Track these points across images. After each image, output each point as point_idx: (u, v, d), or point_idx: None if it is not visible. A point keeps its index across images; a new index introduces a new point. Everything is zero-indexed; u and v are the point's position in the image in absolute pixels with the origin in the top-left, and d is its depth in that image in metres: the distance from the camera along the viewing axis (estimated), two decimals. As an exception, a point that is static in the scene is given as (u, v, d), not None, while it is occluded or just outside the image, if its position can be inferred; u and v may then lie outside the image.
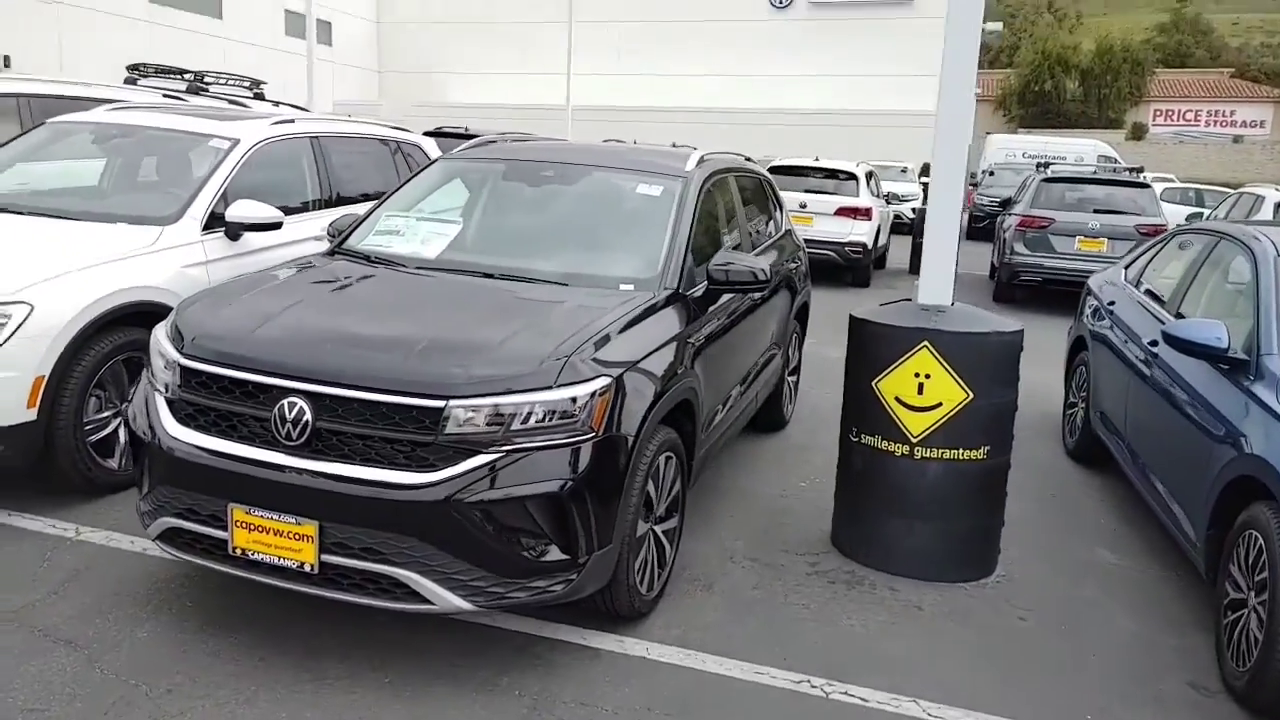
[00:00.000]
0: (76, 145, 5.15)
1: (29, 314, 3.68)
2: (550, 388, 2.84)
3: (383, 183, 5.59)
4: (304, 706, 2.77)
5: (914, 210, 16.40)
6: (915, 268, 12.94)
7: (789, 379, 5.87)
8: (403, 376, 2.82)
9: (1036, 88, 44.12)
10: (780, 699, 2.98)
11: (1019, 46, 50.54)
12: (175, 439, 2.95)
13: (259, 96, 8.35)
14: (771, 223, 5.66)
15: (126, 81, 7.61)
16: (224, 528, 2.87)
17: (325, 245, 4.25)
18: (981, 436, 3.76)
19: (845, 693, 3.02)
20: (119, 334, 4.00)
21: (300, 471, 2.79)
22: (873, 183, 13.23)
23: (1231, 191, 18.22)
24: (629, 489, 3.04)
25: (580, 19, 24.67)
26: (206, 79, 7.90)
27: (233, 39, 23.53)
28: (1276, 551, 2.84)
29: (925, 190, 15.96)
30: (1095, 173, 13.71)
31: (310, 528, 2.78)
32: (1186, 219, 15.82)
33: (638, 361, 3.17)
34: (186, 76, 7.85)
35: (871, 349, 3.90)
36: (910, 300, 4.10)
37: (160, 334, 3.21)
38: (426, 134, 10.70)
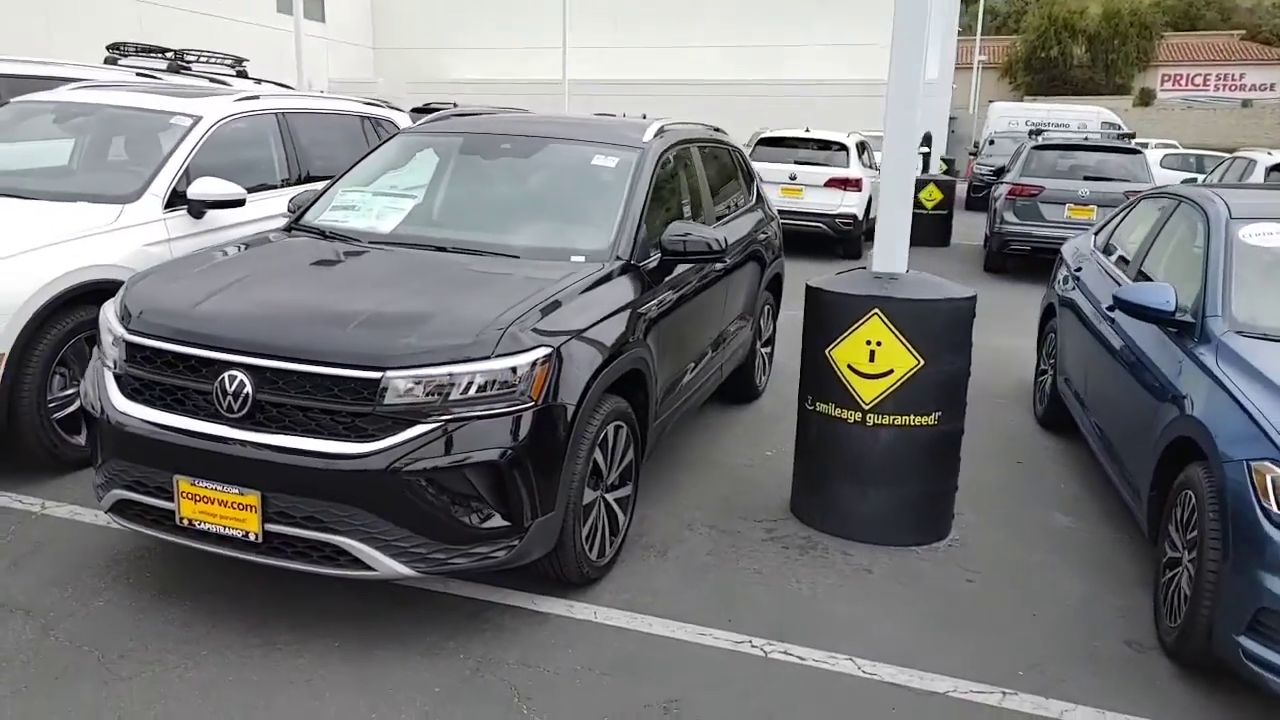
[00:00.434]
0: (39, 125, 5.17)
1: (-12, 293, 3.72)
2: (489, 358, 2.88)
3: (354, 159, 5.58)
4: (250, 670, 2.85)
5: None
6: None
7: (761, 350, 5.89)
8: (340, 349, 2.86)
9: (1043, 54, 43.58)
10: (718, 658, 3.04)
11: (1025, 12, 49.80)
12: (123, 413, 3.01)
13: (242, 74, 8.30)
14: (740, 193, 5.65)
15: (107, 61, 7.52)
16: (171, 499, 2.94)
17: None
18: (933, 403, 3.80)
19: (785, 652, 3.08)
20: (81, 312, 4.05)
21: (242, 443, 2.84)
22: (865, 153, 13.07)
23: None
24: (573, 456, 3.09)
25: (576, -8, 24.46)
26: (187, 57, 7.84)
27: (224, 16, 23.36)
28: (1207, 511, 2.87)
29: (924, 160, 15.85)
30: (1086, 139, 13.57)
31: (253, 498, 2.84)
32: (1181, 184, 15.64)
33: (582, 331, 3.21)
34: (168, 55, 7.81)
35: (825, 317, 3.93)
36: (865, 269, 4.12)
37: (109, 310, 3.26)
38: (415, 110, 10.64)
